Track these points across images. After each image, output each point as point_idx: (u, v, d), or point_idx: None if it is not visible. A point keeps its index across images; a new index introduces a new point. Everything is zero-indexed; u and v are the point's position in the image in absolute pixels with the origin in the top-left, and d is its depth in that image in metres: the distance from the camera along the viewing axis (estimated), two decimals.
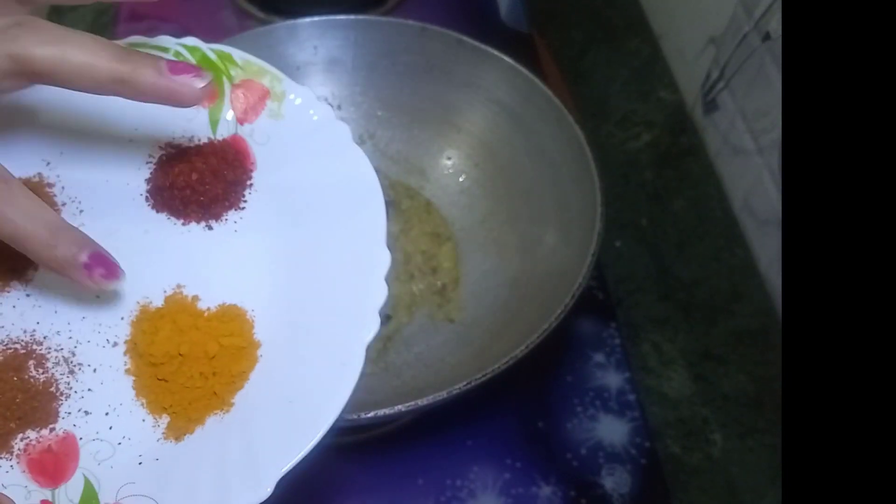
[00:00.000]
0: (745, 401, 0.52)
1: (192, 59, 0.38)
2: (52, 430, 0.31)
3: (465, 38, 0.56)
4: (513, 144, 0.56)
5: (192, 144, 0.38)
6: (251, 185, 0.37)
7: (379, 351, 0.52)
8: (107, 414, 0.32)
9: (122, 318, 0.34)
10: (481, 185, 0.58)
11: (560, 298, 0.44)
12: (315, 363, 0.32)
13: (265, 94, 0.39)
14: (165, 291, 0.34)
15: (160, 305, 0.34)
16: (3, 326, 0.33)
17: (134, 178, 0.37)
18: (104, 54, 0.30)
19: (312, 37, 0.57)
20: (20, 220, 0.30)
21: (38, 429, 0.31)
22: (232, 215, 0.37)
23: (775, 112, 0.49)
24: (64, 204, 0.36)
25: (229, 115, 0.38)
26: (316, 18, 0.57)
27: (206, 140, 0.38)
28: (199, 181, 0.36)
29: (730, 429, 0.52)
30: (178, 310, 0.34)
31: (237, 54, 0.39)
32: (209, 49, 0.39)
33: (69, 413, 0.32)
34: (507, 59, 0.55)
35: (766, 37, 0.49)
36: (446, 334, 0.52)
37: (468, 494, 0.49)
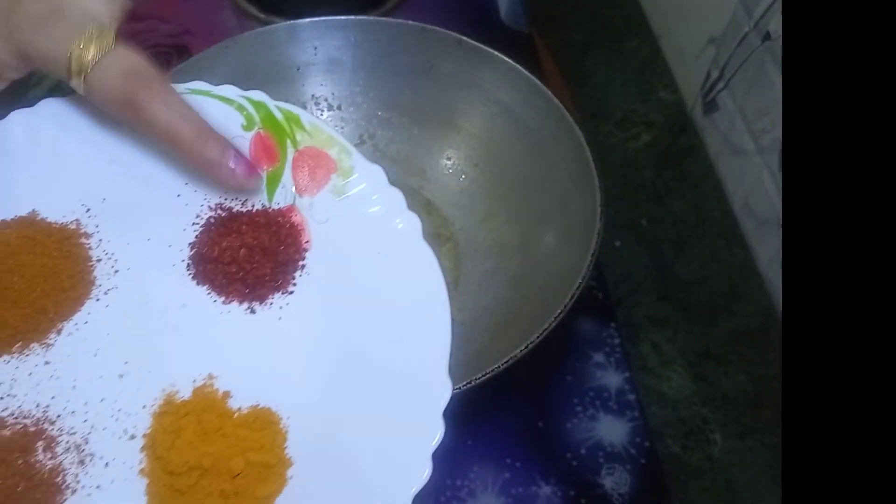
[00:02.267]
0: (745, 401, 0.52)
1: (256, 115, 0.35)
2: None
3: (465, 38, 0.56)
4: (513, 144, 0.56)
5: (244, 210, 0.34)
6: (303, 266, 0.34)
7: None
8: None
9: (144, 407, 0.31)
10: (481, 185, 0.58)
11: (560, 298, 0.44)
12: (350, 498, 0.28)
13: (331, 167, 0.35)
14: (195, 382, 0.31)
15: (187, 398, 0.31)
16: (15, 395, 0.31)
17: (178, 239, 0.34)
18: (188, 125, 0.32)
19: (312, 37, 0.57)
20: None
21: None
22: (278, 299, 0.33)
23: (775, 112, 0.49)
24: (99, 260, 0.34)
25: (290, 182, 0.35)
26: (316, 19, 0.56)
27: (259, 207, 0.35)
28: (248, 258, 0.33)
29: (730, 429, 0.52)
30: (206, 407, 0.31)
31: (306, 118, 0.36)
32: (275, 107, 0.36)
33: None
34: (507, 59, 0.55)
35: (766, 37, 0.49)
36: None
37: (468, 494, 0.49)
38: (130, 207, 0.35)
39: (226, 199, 0.35)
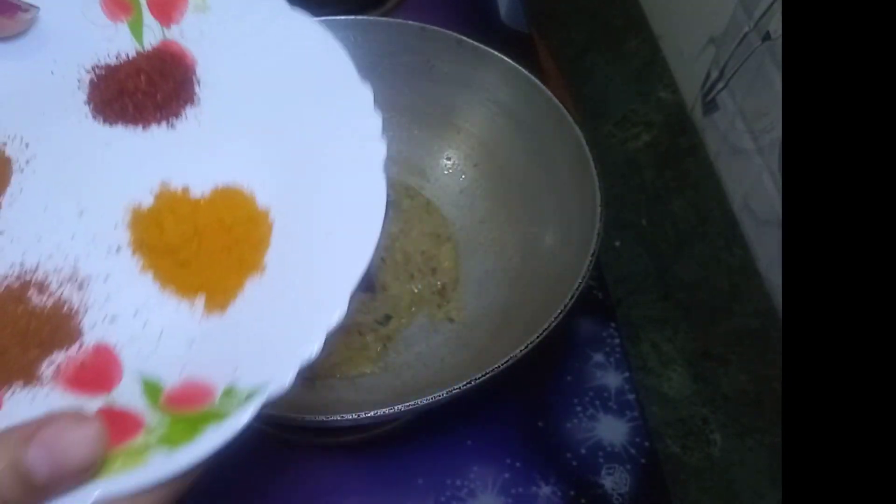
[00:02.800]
0: (745, 401, 0.52)
1: None
2: (80, 346, 0.30)
3: (465, 38, 0.56)
4: (513, 144, 0.56)
5: (121, 61, 0.37)
6: (198, 80, 0.36)
7: (379, 351, 0.52)
8: (136, 314, 0.31)
9: (116, 226, 0.33)
10: (481, 185, 0.58)
11: (560, 298, 0.44)
12: (335, 202, 0.32)
13: None
14: (152, 191, 0.33)
15: (152, 204, 0.33)
16: None
17: (72, 104, 0.36)
18: None
19: None
20: None
21: (64, 349, 0.30)
22: (190, 111, 0.36)
23: (775, 112, 0.49)
24: (4, 143, 0.35)
25: (152, 22, 0.37)
26: (316, 19, 0.56)
27: (134, 53, 0.37)
28: (149, 82, 0.35)
29: (730, 429, 0.52)
30: (173, 202, 0.33)
31: None
32: None
33: (94, 325, 0.31)
34: (507, 59, 0.55)
35: (766, 37, 0.49)
36: (446, 334, 0.52)
37: (468, 494, 0.49)
38: (15, 99, 0.36)
39: (99, 61, 0.37)
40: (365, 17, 0.57)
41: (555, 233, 0.52)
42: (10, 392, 0.29)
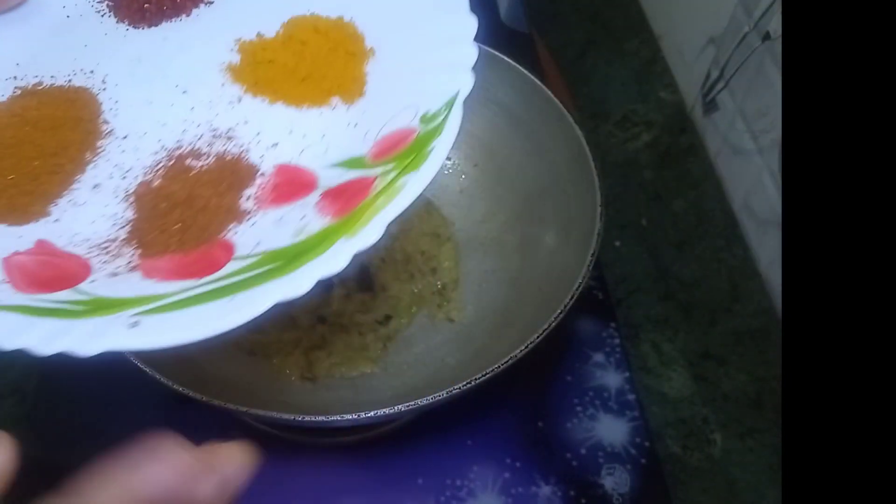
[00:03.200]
0: (745, 401, 0.52)
1: None
2: (262, 175, 0.33)
3: None
4: (513, 144, 0.56)
5: None
6: None
7: (379, 351, 0.52)
8: (290, 132, 0.34)
9: (223, 85, 0.36)
10: (481, 185, 0.58)
11: (560, 298, 0.44)
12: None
13: None
14: (232, 49, 0.37)
15: (240, 58, 0.37)
16: (130, 168, 0.34)
17: (107, 28, 0.39)
18: None
19: None
20: None
21: (251, 184, 0.33)
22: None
23: (775, 112, 0.49)
24: (69, 80, 0.37)
25: None
26: None
27: None
28: None
29: (730, 429, 0.52)
30: (260, 45, 0.37)
31: None
32: None
33: (262, 156, 0.33)
34: (507, 59, 0.55)
35: (766, 37, 0.49)
36: (446, 334, 0.52)
37: (468, 494, 0.49)
38: (41, 48, 0.38)
39: None
40: None
41: (555, 233, 0.52)
42: (233, 232, 0.31)
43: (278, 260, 0.28)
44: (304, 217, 0.31)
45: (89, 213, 0.32)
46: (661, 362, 0.56)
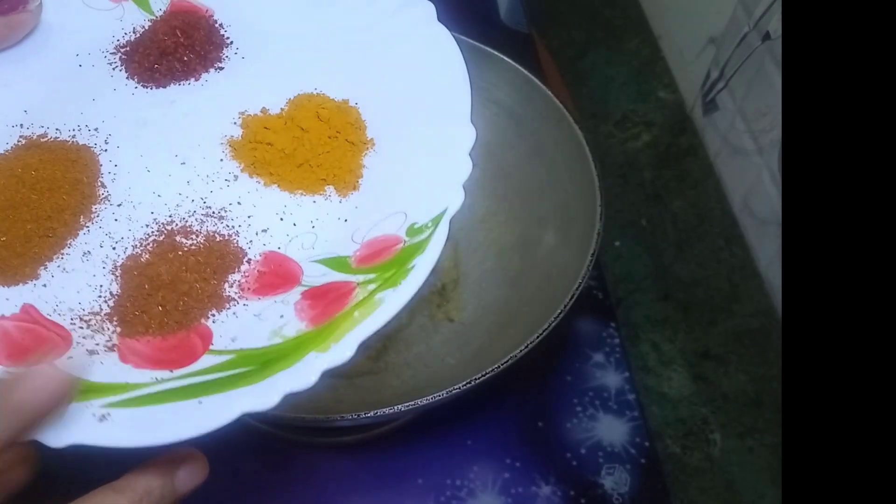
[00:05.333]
0: (745, 401, 0.52)
1: None
2: (248, 261, 0.33)
3: (465, 38, 0.56)
4: (513, 144, 0.56)
5: (140, 33, 0.39)
6: (221, 24, 0.40)
7: (379, 351, 0.52)
8: (281, 219, 0.34)
9: (222, 160, 0.36)
10: (481, 185, 0.58)
11: (560, 298, 0.44)
12: (409, 74, 0.36)
13: None
14: (236, 122, 0.37)
15: (242, 133, 0.37)
16: (121, 238, 0.33)
17: (117, 83, 0.38)
18: None
19: None
20: None
21: (236, 269, 0.33)
22: (227, 52, 0.40)
23: (775, 112, 0.49)
24: (73, 136, 0.36)
25: None
26: None
27: (148, 23, 0.40)
28: (185, 35, 0.38)
29: (730, 429, 0.52)
30: (262, 122, 0.37)
31: None
32: None
33: (250, 242, 0.34)
34: (507, 59, 0.55)
35: (766, 37, 0.49)
36: (446, 334, 0.52)
37: (468, 494, 0.49)
38: (48, 95, 0.38)
39: (118, 40, 0.40)
40: None
41: (555, 233, 0.52)
42: (212, 319, 0.31)
43: (251, 363, 0.29)
44: (282, 316, 0.30)
45: (76, 282, 0.32)
46: (660, 362, 0.56)
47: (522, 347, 0.42)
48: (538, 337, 0.42)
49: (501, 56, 0.55)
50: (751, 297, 0.53)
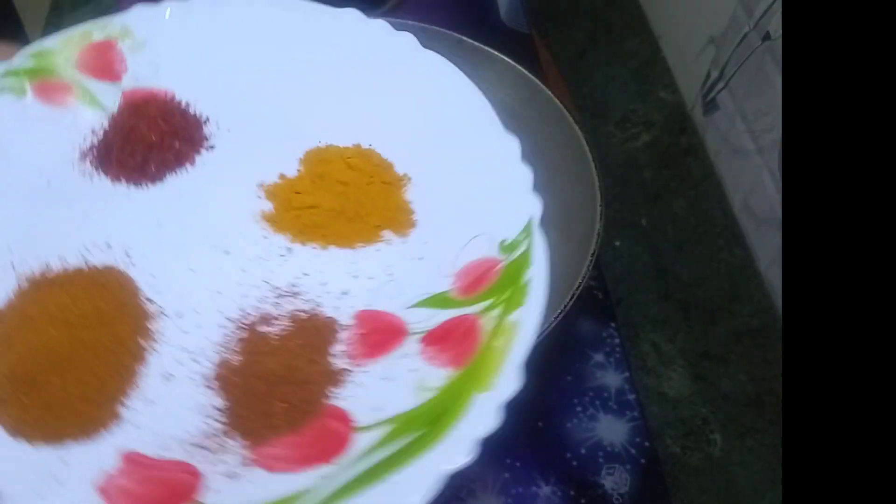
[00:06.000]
0: (745, 401, 0.52)
1: None
2: (343, 326, 0.31)
3: (465, 38, 0.55)
4: None
5: (106, 130, 0.36)
6: (186, 103, 0.37)
7: None
8: (355, 277, 0.33)
9: (266, 237, 0.34)
10: None
11: (560, 298, 0.44)
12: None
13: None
14: (259, 195, 0.35)
15: (272, 203, 0.35)
16: (201, 349, 0.30)
17: (103, 189, 0.35)
18: None
19: None
20: None
21: (335, 339, 0.30)
22: (210, 129, 0.37)
23: (775, 112, 0.49)
24: (84, 260, 0.33)
25: (98, 86, 0.36)
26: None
27: (107, 121, 0.36)
28: (165, 122, 0.36)
29: (730, 429, 0.52)
30: (289, 186, 0.35)
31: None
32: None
33: (336, 307, 0.32)
34: (507, 59, 0.55)
35: (766, 37, 0.49)
36: None
37: (468, 494, 0.49)
38: (33, 224, 0.34)
39: (81, 145, 0.36)
40: None
41: (555, 233, 0.52)
42: (334, 397, 0.29)
43: (418, 426, 0.27)
44: (416, 370, 0.29)
45: (170, 409, 0.29)
46: (660, 362, 0.56)
47: None
48: (538, 337, 0.42)
49: (501, 56, 0.55)
50: (751, 297, 0.53)
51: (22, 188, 0.34)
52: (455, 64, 0.57)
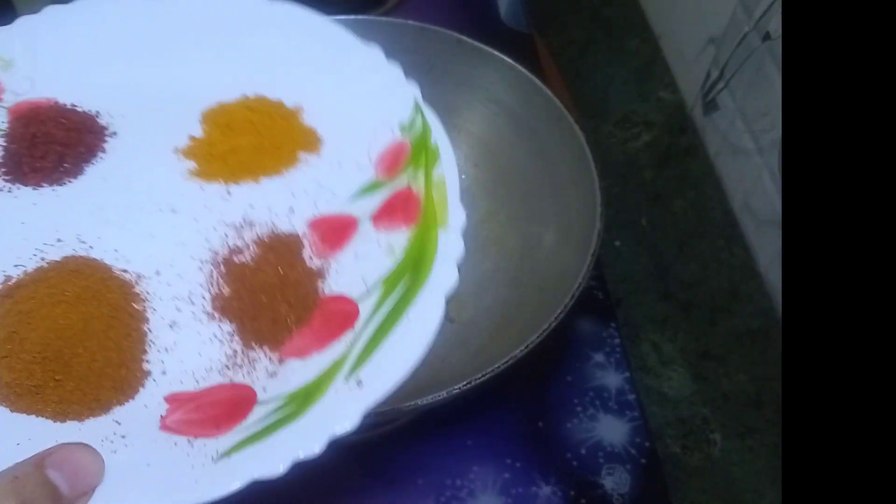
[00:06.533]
0: (745, 401, 0.52)
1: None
2: (304, 236, 0.35)
3: (465, 38, 0.56)
4: (513, 144, 0.56)
5: (6, 146, 0.37)
6: (73, 105, 0.39)
7: None
8: (293, 195, 0.37)
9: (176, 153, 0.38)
10: (481, 185, 0.58)
11: (560, 298, 0.44)
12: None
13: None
14: (180, 148, 0.38)
15: (189, 146, 0.38)
16: (189, 293, 0.33)
17: (20, 194, 0.36)
18: None
19: None
20: None
21: (303, 247, 0.35)
22: (103, 121, 0.39)
23: (775, 112, 0.49)
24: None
25: None
26: None
27: (3, 139, 0.37)
28: (58, 126, 0.37)
29: (730, 429, 0.52)
30: (206, 142, 0.39)
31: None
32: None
33: (291, 224, 0.36)
34: (507, 59, 0.55)
35: (766, 37, 0.49)
36: (446, 334, 0.52)
37: (468, 494, 0.49)
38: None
39: None
40: (365, 17, 0.57)
41: (555, 233, 0.52)
42: (327, 288, 0.33)
43: (405, 274, 0.32)
44: (379, 242, 0.34)
45: (189, 350, 0.32)
46: (660, 362, 0.56)
47: (522, 347, 0.42)
48: (538, 337, 0.42)
49: (501, 56, 0.55)
50: (751, 297, 0.53)
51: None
52: (455, 64, 0.57)
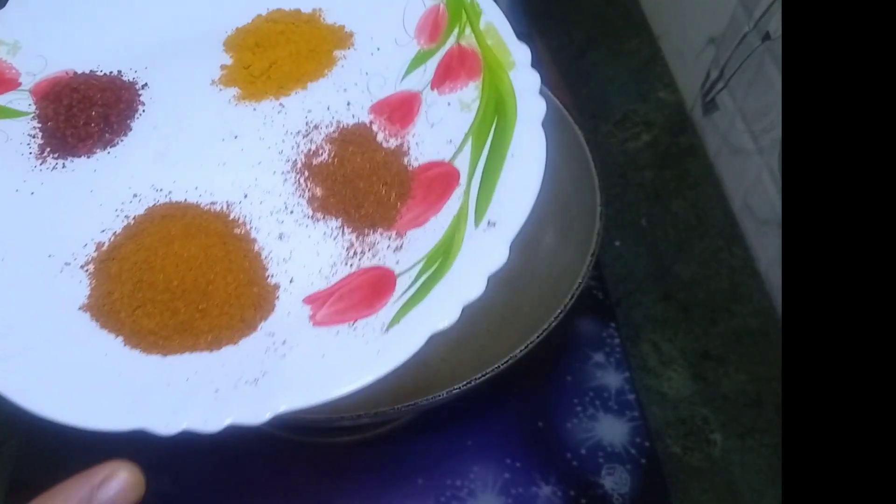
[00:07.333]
0: (745, 401, 0.52)
1: None
2: (372, 123, 0.36)
3: None
4: None
5: (45, 123, 0.37)
6: (91, 70, 0.39)
7: None
8: (344, 90, 0.37)
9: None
10: None
11: (560, 298, 0.44)
12: None
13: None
14: (217, 76, 0.39)
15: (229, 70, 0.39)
16: (282, 207, 0.34)
17: (83, 164, 0.36)
18: None
19: None
20: None
21: (375, 134, 0.35)
22: (143, 76, 0.39)
23: (775, 112, 0.49)
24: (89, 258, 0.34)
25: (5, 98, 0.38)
26: None
27: (35, 118, 0.37)
28: (99, 83, 0.37)
29: (730, 429, 0.52)
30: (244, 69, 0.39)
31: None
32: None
33: (353, 115, 0.37)
34: None
35: (766, 37, 0.49)
36: (446, 334, 0.52)
37: (468, 494, 0.49)
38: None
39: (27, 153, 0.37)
40: None
41: (555, 233, 0.52)
42: (413, 157, 0.34)
43: (492, 121, 0.32)
44: (448, 104, 0.34)
45: (307, 254, 0.33)
46: (660, 362, 0.56)
47: (522, 347, 0.42)
48: (538, 337, 0.42)
49: None
50: (751, 297, 0.53)
51: (7, 204, 0.35)
52: None
